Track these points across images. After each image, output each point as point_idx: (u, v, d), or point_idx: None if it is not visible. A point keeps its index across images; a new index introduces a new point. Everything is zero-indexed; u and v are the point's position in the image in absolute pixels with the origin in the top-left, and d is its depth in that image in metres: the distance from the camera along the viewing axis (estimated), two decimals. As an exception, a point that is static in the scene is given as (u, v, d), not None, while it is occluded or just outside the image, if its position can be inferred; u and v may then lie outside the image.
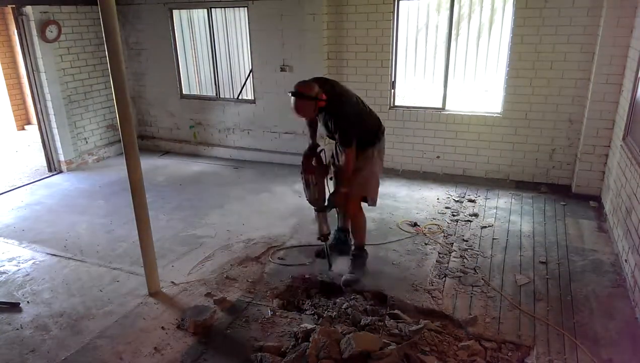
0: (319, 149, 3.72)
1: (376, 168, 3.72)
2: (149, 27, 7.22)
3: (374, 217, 5.05)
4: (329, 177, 3.82)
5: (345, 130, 3.44)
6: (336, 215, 4.26)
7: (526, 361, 2.96)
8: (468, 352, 2.99)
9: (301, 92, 3.29)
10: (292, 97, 3.32)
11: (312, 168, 3.63)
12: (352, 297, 3.61)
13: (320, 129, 3.72)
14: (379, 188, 3.90)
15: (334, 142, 3.74)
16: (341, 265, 4.04)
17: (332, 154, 3.90)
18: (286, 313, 3.47)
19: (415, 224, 4.80)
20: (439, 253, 4.25)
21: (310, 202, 3.79)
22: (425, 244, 4.43)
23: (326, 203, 3.75)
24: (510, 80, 5.49)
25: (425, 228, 4.72)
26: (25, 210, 5.48)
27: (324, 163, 3.78)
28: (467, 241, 4.45)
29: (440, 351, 3.01)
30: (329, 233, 3.88)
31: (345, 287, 3.72)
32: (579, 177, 5.37)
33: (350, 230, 4.12)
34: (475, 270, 3.95)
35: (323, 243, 3.91)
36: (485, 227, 4.75)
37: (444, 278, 3.85)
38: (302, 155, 3.69)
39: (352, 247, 4.04)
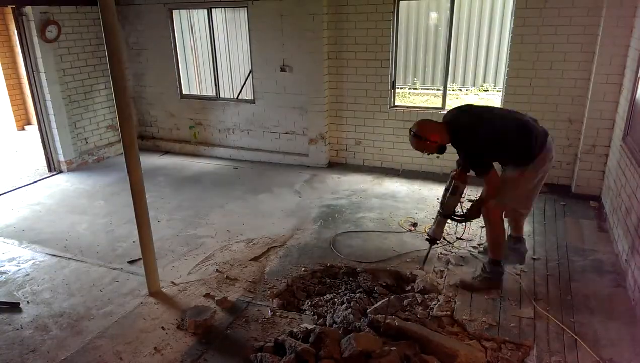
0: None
1: (523, 182, 3.53)
2: (149, 27, 7.22)
3: (373, 217, 5.05)
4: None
5: (472, 163, 3.41)
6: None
7: (526, 361, 2.96)
8: (468, 351, 2.99)
9: (414, 131, 3.43)
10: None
11: (462, 177, 3.53)
12: (352, 297, 3.60)
13: None
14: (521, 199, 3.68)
15: None
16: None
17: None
18: (286, 313, 3.47)
19: (414, 224, 4.80)
20: (440, 253, 4.25)
21: (443, 206, 3.66)
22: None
23: (462, 216, 3.68)
24: (510, 80, 5.49)
25: (428, 228, 4.71)
26: (26, 210, 5.48)
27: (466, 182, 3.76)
28: (466, 241, 4.45)
29: (440, 351, 3.00)
30: (438, 240, 3.81)
31: (460, 286, 3.67)
32: (579, 177, 5.37)
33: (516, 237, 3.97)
34: (475, 270, 3.94)
35: (428, 243, 3.83)
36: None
37: (444, 279, 3.85)
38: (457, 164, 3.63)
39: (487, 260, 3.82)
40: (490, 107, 3.97)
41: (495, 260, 3.66)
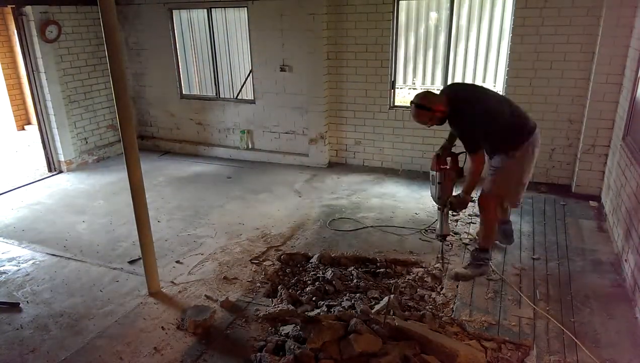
0: (456, 152, 3.85)
1: (516, 169, 3.63)
2: (149, 27, 7.22)
3: (373, 217, 5.05)
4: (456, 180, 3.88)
5: (467, 137, 3.55)
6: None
7: (526, 361, 2.96)
8: (468, 351, 2.99)
9: (418, 103, 3.56)
10: (411, 105, 3.61)
11: (439, 166, 3.75)
12: (352, 296, 3.60)
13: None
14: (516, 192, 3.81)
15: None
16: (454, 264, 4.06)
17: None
18: (286, 313, 3.46)
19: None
20: (439, 253, 4.25)
21: (433, 199, 3.91)
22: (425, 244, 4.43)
23: (446, 205, 3.82)
24: (510, 80, 5.49)
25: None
26: (25, 210, 5.48)
27: (458, 166, 3.89)
28: (466, 243, 4.45)
29: (440, 351, 3.00)
30: (448, 235, 3.98)
31: (454, 279, 3.78)
32: (578, 177, 5.37)
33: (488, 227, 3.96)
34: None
35: (439, 241, 4.02)
36: (485, 227, 4.74)
37: (444, 279, 3.85)
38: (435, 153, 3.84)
39: (476, 247, 3.99)
40: (490, 89, 3.99)
41: (484, 249, 3.84)
